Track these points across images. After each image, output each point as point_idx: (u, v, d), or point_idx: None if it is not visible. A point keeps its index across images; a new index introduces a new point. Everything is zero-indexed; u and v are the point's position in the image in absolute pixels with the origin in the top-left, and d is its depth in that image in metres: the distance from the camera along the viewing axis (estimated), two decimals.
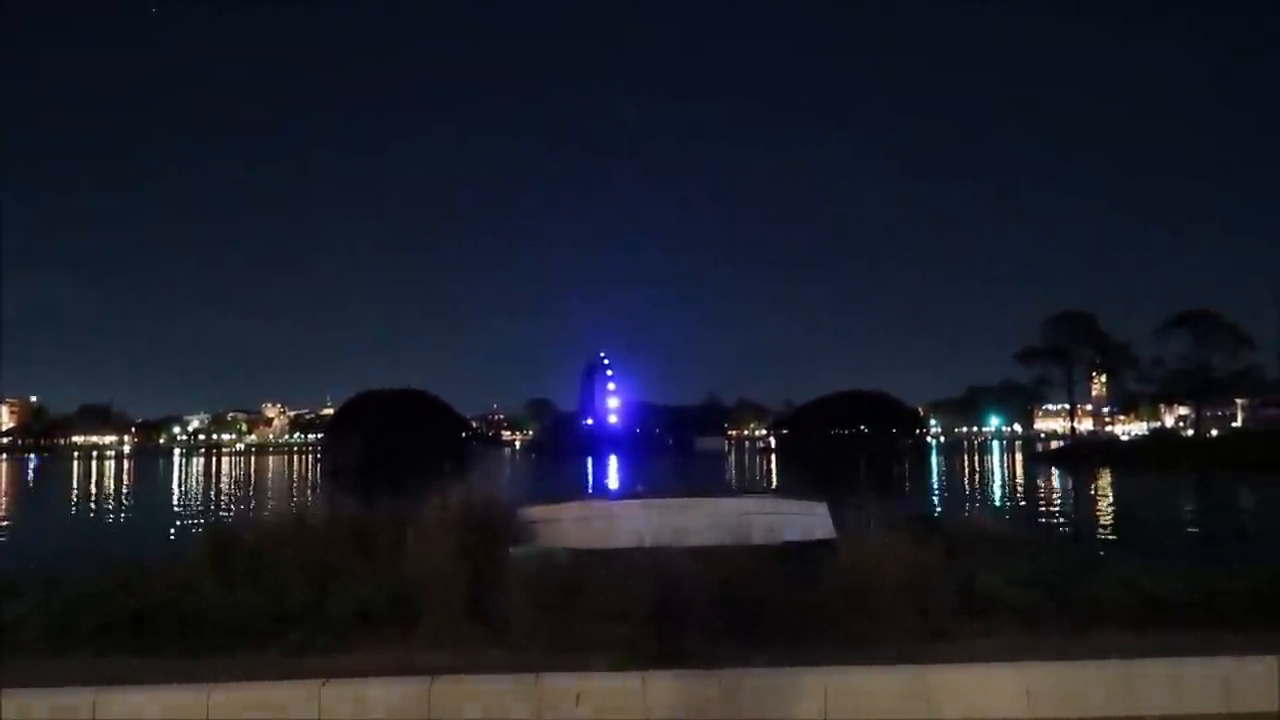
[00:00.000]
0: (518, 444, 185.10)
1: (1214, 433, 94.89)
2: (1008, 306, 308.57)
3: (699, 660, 6.43)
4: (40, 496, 51.71)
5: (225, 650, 7.02)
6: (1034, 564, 8.72)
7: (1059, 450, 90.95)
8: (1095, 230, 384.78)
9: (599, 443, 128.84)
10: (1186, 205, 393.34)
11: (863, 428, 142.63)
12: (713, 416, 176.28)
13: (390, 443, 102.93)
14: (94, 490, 54.74)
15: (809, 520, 10.25)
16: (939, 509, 30.78)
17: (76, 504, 43.75)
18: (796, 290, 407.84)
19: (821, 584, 7.75)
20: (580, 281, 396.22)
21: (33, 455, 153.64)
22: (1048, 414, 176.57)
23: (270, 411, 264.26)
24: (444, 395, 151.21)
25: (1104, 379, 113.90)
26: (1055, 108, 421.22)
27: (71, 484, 61.56)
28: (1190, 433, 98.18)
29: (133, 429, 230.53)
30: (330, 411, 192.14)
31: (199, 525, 22.31)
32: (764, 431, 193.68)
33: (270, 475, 70.51)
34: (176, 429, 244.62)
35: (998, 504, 36.62)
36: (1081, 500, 38.70)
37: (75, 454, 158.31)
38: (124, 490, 55.54)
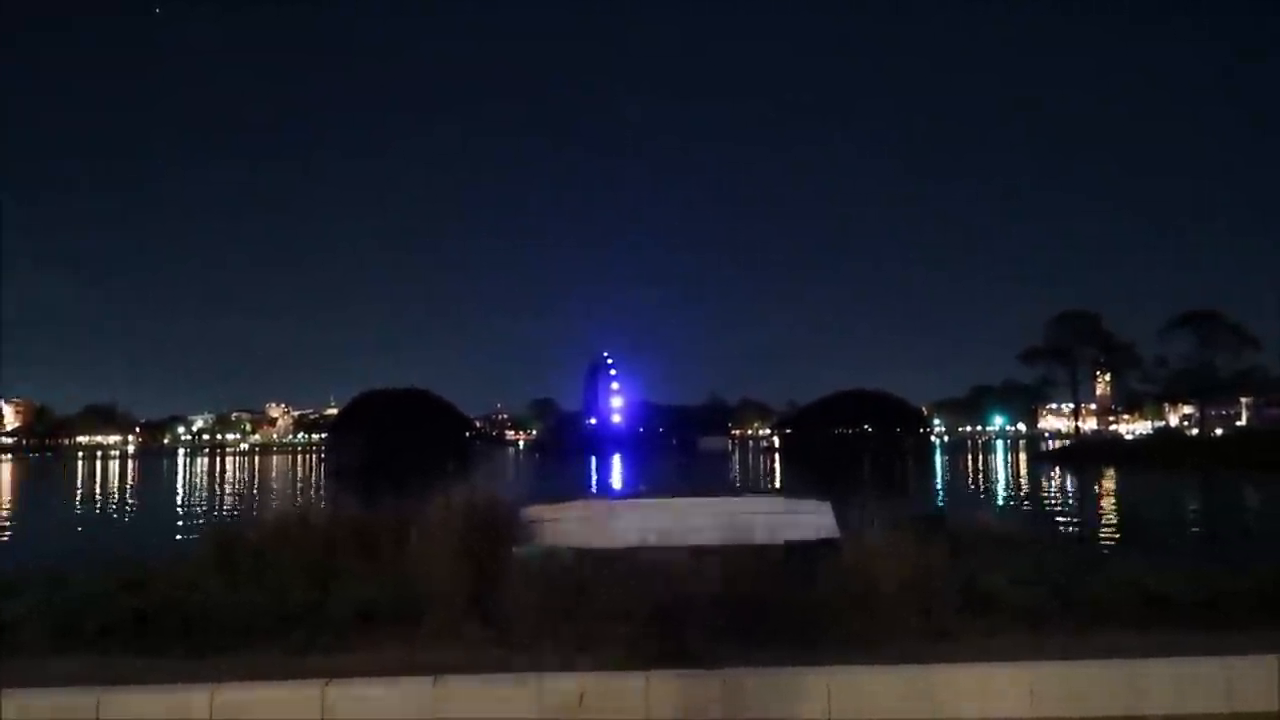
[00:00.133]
0: (521, 443, 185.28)
1: (1218, 432, 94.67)
2: (1011, 306, 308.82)
3: (702, 660, 6.42)
4: (44, 496, 51.76)
5: (229, 650, 7.02)
6: (1038, 563, 8.70)
7: (1063, 449, 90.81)
8: (1099, 230, 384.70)
9: (603, 442, 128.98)
10: (1190, 205, 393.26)
11: (867, 427, 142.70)
12: (716, 416, 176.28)
13: (394, 442, 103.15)
14: (98, 490, 54.83)
15: (812, 520, 10.23)
16: (943, 508, 30.73)
17: (81, 504, 43.82)
18: (800, 290, 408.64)
19: (825, 583, 7.73)
20: (584, 281, 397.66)
21: (34, 455, 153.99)
22: (1052, 413, 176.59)
23: (274, 411, 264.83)
24: (448, 395, 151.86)
25: (1108, 378, 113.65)
26: (1059, 108, 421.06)
27: (76, 483, 61.66)
28: (1195, 432, 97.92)
29: (137, 429, 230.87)
30: (334, 411, 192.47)
31: (203, 525, 22.35)
32: (768, 431, 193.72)
33: (274, 475, 70.60)
34: (181, 429, 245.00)
35: (1001, 503, 36.58)
36: (1085, 500, 38.64)
37: (80, 454, 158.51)
38: (128, 490, 55.63)
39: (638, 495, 13.04)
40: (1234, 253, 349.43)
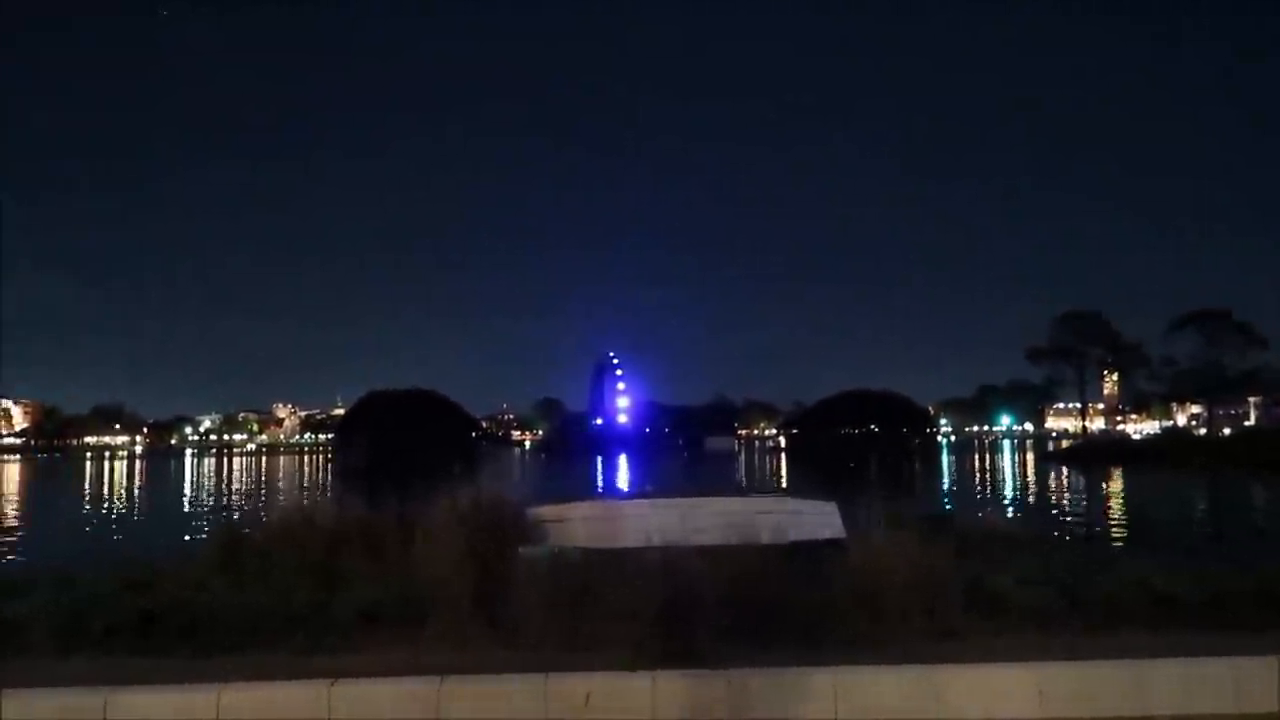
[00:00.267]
0: (527, 444, 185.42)
1: (1226, 431, 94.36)
2: (1012, 306, 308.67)
3: (708, 660, 6.41)
4: (52, 497, 51.91)
5: (234, 650, 7.03)
6: (1045, 563, 8.69)
7: (1070, 449, 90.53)
8: (1100, 230, 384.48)
9: (608, 442, 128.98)
10: (1191, 205, 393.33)
11: (873, 427, 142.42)
12: (722, 416, 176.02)
13: (400, 442, 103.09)
14: (105, 490, 54.98)
15: (818, 520, 10.21)
16: (949, 508, 30.67)
17: (88, 504, 43.94)
18: (801, 290, 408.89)
19: (831, 583, 7.72)
20: (584, 281, 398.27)
21: (42, 455, 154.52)
22: (1059, 413, 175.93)
23: (281, 412, 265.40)
24: (452, 395, 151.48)
25: (1115, 378, 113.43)
26: (1060, 107, 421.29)
27: (84, 484, 61.83)
28: (1203, 432, 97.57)
29: (145, 429, 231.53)
30: (341, 412, 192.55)
31: (210, 526, 22.40)
32: (773, 431, 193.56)
33: (281, 475, 70.73)
34: (188, 429, 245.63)
35: (1008, 503, 36.50)
36: (1092, 499, 38.53)
37: (88, 454, 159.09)
38: (135, 490, 55.78)
39: (644, 495, 13.03)
40: (1234, 253, 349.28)
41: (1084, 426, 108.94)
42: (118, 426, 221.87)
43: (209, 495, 48.73)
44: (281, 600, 7.68)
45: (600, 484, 53.05)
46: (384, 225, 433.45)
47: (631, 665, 6.38)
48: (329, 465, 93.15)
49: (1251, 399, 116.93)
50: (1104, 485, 46.12)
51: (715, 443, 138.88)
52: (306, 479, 64.53)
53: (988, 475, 60.28)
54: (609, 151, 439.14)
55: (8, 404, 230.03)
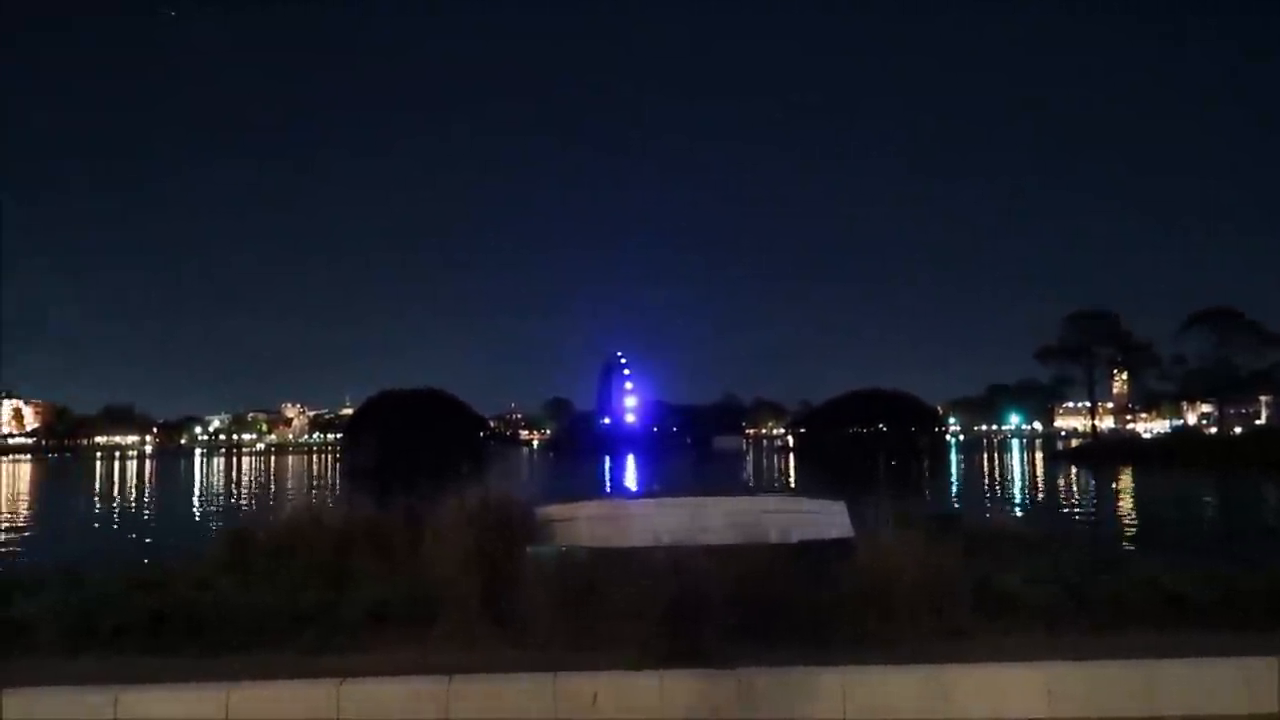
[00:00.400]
0: (535, 443, 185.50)
1: (1237, 431, 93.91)
2: (1019, 306, 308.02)
3: (716, 659, 6.41)
4: (63, 496, 52.13)
5: (243, 650, 7.05)
6: (1053, 563, 8.65)
7: (1079, 448, 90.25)
8: (1107, 229, 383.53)
9: (616, 442, 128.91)
10: (1198, 205, 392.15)
11: (881, 427, 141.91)
12: (730, 416, 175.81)
13: (408, 442, 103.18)
14: (116, 490, 55.19)
15: (826, 519, 10.18)
16: (958, 507, 30.60)
17: (98, 504, 44.11)
18: (808, 290, 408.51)
19: (838, 583, 7.70)
20: (592, 281, 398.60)
21: (53, 455, 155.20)
22: (1068, 412, 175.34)
23: (290, 411, 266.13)
24: (460, 395, 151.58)
25: (1125, 377, 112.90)
26: (1067, 107, 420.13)
27: (94, 483, 62.07)
28: (1213, 431, 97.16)
29: (155, 429, 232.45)
30: (349, 411, 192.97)
31: (219, 525, 22.45)
32: (781, 430, 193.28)
33: (289, 475, 70.93)
34: (198, 429, 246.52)
35: (1017, 502, 36.40)
36: (1102, 499, 38.40)
37: (98, 454, 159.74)
38: (145, 490, 55.99)
39: (652, 494, 13.02)
40: (1242, 252, 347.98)
41: (1093, 426, 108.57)
42: (129, 427, 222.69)
43: (218, 495, 48.90)
44: (289, 600, 7.69)
45: (608, 483, 53.07)
46: (391, 225, 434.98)
47: (639, 665, 6.38)
48: (337, 465, 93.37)
49: (1263, 398, 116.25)
50: (1113, 484, 45.96)
51: (723, 442, 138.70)
52: (315, 479, 64.68)
53: (996, 474, 60.15)
54: (615, 151, 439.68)
55: (19, 404, 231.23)
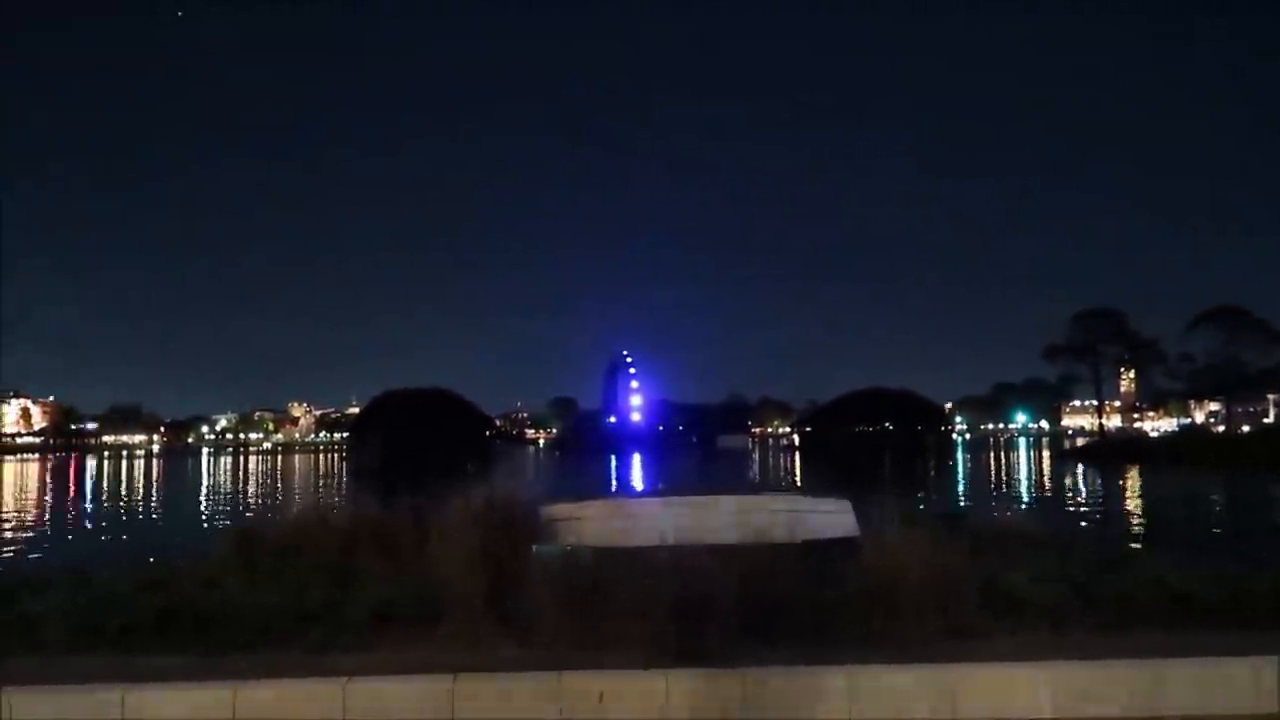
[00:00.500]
0: (541, 442, 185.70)
1: (1245, 429, 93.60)
2: (1026, 305, 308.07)
3: (721, 659, 6.40)
4: (69, 496, 52.28)
5: (249, 649, 7.06)
6: (1060, 562, 8.63)
7: (1086, 447, 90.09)
8: (1114, 229, 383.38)
9: (622, 441, 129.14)
10: (1205, 204, 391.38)
11: (887, 425, 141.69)
12: (736, 415, 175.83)
13: (415, 441, 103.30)
14: (123, 489, 55.33)
15: (832, 518, 10.16)
16: (964, 506, 30.56)
17: (106, 503, 44.24)
18: (815, 289, 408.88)
19: (844, 582, 7.69)
20: (599, 281, 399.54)
21: (61, 455, 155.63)
22: (1075, 410, 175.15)
23: (296, 411, 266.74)
24: (466, 394, 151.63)
25: (1132, 375, 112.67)
26: (1074, 107, 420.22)
27: (101, 483, 62.25)
28: (1221, 429, 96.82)
29: (162, 429, 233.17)
30: (355, 411, 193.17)
31: (226, 524, 22.51)
32: (787, 429, 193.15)
33: (296, 474, 71.06)
34: (205, 428, 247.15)
35: (1023, 501, 36.33)
36: (1108, 497, 38.31)
37: (106, 454, 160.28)
38: (153, 489, 56.13)
39: (657, 494, 13.01)
40: (1249, 251, 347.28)
41: (1100, 424, 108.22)
42: (136, 426, 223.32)
43: (225, 494, 49.00)
44: (296, 599, 7.70)
45: (613, 482, 53.07)
46: (398, 224, 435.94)
47: (644, 664, 6.38)
48: (344, 464, 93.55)
49: (1270, 396, 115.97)
50: (1120, 483, 45.85)
51: (729, 441, 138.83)
52: (321, 478, 64.79)
53: (1003, 473, 60.02)
54: (623, 151, 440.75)
55: (26, 403, 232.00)
